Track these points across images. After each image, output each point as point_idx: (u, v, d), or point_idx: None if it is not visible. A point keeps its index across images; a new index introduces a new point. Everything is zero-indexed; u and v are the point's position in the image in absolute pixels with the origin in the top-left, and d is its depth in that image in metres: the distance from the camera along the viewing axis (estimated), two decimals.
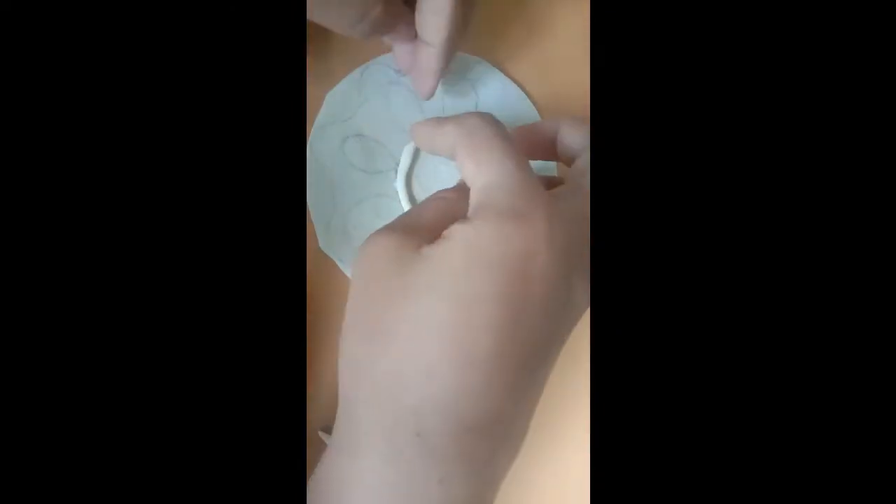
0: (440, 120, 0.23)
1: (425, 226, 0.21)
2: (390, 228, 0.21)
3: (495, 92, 0.33)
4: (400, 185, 0.30)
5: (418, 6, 0.25)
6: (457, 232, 0.19)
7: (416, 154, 0.31)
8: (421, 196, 0.31)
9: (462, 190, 0.23)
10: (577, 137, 0.25)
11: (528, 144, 0.26)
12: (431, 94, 0.28)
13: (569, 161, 0.26)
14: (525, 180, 0.20)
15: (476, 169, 0.21)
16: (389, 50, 0.29)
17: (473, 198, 0.21)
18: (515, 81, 0.33)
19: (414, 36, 0.27)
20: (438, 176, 0.31)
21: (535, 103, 0.33)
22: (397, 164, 0.30)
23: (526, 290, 0.19)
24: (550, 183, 0.26)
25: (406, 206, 0.30)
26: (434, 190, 0.30)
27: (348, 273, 0.29)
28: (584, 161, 0.24)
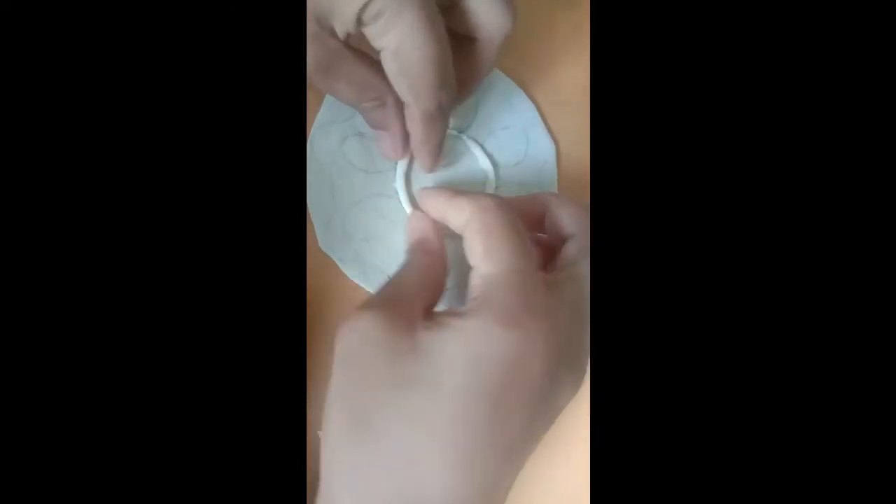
0: (453, 193, 0.24)
1: (410, 297, 0.22)
2: (376, 306, 0.21)
3: (496, 93, 0.32)
4: (400, 184, 0.30)
5: None
6: (454, 324, 0.20)
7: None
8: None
9: (437, 250, 0.24)
10: (565, 217, 0.25)
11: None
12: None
13: (557, 239, 0.26)
14: (529, 282, 0.21)
15: (485, 255, 0.21)
16: None
17: (476, 283, 0.21)
18: (515, 82, 0.33)
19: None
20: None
21: (536, 104, 0.33)
22: (396, 164, 0.30)
23: (517, 394, 0.19)
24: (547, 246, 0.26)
25: (406, 206, 0.30)
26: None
27: (348, 273, 0.29)
28: (575, 247, 0.24)
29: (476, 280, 0.21)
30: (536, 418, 0.20)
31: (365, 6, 0.21)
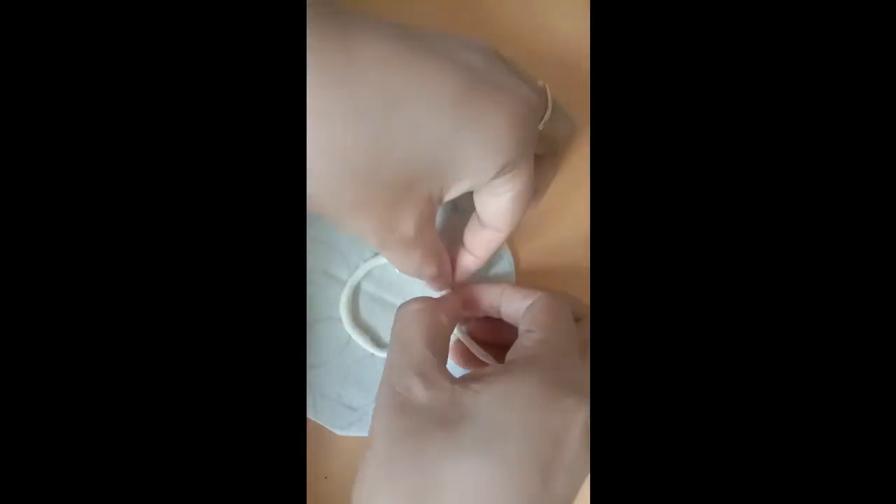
0: (516, 286, 0.27)
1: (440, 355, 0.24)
2: (415, 373, 0.22)
3: None
4: (343, 308, 0.30)
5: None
6: (499, 380, 0.22)
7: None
8: None
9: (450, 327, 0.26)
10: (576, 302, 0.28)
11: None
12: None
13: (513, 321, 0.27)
14: (575, 357, 0.24)
15: (550, 326, 0.24)
16: None
17: (529, 342, 0.23)
18: None
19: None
20: None
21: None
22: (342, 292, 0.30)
23: (558, 457, 0.21)
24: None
25: (350, 330, 0.30)
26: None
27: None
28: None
29: (530, 340, 0.24)
30: (576, 477, 0.22)
31: (508, 162, 0.23)
